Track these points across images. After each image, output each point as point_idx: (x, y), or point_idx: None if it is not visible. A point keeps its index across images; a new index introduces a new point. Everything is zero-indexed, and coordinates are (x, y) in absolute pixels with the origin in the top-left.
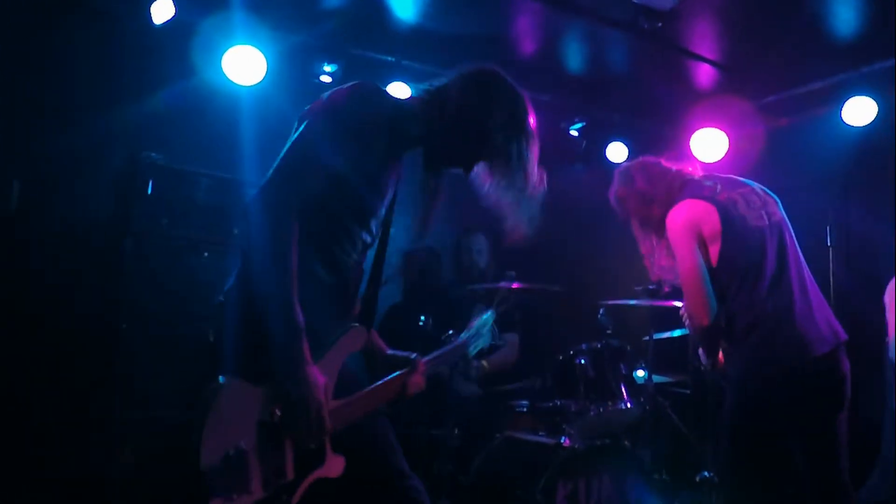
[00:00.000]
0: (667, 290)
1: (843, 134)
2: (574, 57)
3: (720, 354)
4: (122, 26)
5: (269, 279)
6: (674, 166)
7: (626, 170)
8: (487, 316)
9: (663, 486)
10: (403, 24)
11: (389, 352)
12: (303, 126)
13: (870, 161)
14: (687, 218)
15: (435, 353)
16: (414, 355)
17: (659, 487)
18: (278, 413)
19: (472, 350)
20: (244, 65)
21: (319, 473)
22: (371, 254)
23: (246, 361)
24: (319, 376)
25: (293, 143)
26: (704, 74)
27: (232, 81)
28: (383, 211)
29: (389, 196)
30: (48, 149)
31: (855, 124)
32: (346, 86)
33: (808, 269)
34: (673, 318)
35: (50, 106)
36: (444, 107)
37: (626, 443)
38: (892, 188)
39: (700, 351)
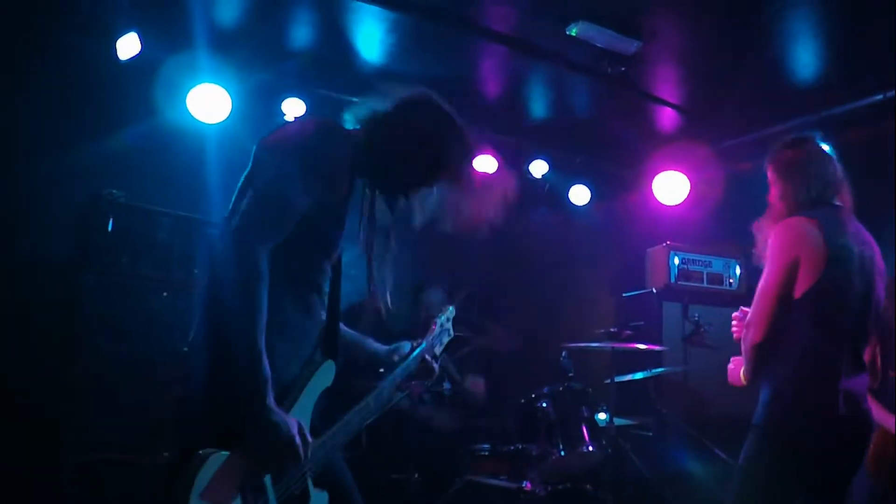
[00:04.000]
0: (627, 333)
1: None
2: (538, 100)
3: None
4: (86, 61)
5: (239, 329)
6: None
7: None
8: (449, 311)
9: None
10: (369, 64)
11: (369, 348)
12: (265, 161)
13: None
14: (797, 237)
15: (404, 364)
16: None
17: None
18: (257, 468)
19: (439, 349)
20: (209, 103)
21: None
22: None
23: (218, 421)
24: (289, 418)
25: (262, 182)
26: (666, 118)
27: (197, 119)
28: (342, 241)
29: (346, 225)
30: (7, 183)
31: None
32: (305, 120)
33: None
34: (634, 361)
35: (11, 139)
36: (393, 134)
37: (588, 486)
38: None
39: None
